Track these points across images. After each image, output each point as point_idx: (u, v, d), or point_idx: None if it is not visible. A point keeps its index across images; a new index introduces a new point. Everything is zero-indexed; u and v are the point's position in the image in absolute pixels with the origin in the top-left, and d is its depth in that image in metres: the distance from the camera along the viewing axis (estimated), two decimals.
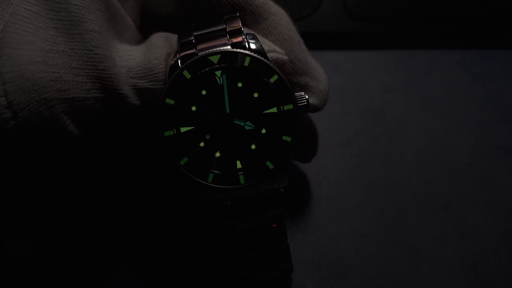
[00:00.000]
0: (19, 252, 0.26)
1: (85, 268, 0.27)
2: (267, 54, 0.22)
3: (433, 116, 0.33)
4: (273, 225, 0.23)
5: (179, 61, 0.21)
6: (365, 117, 0.33)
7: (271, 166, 0.21)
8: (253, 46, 0.21)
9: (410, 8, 0.35)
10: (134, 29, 0.24)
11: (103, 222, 0.28)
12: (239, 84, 0.21)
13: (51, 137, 0.19)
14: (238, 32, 0.22)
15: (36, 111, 0.18)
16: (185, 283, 0.27)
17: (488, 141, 0.32)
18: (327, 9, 0.35)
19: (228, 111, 0.21)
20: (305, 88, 0.24)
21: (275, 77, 0.21)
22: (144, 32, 0.24)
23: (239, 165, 0.21)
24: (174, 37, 0.23)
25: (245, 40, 0.22)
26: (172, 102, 0.21)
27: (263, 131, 0.21)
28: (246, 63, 0.21)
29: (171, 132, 0.21)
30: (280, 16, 0.24)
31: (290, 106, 0.21)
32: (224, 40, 0.22)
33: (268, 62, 0.21)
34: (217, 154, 0.21)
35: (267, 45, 0.23)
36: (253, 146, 0.21)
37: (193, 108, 0.21)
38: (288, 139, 0.21)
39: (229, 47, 0.21)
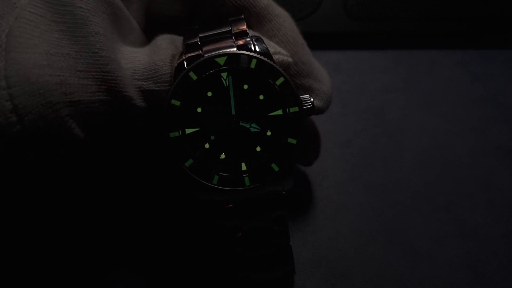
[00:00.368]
0: None
1: (85, 268, 0.27)
2: (273, 56, 0.22)
3: (433, 116, 0.33)
4: (275, 227, 0.23)
5: (184, 62, 0.21)
6: (365, 117, 0.33)
7: (276, 168, 0.21)
8: (258, 48, 0.21)
9: (410, 8, 0.35)
10: (138, 31, 0.24)
11: (103, 222, 0.28)
12: (245, 86, 0.21)
13: (56, 139, 0.19)
14: (243, 34, 0.22)
15: (41, 114, 0.18)
16: (185, 283, 0.27)
17: (488, 141, 0.32)
18: (327, 9, 0.35)
19: (233, 113, 0.21)
20: (309, 90, 0.24)
21: (281, 79, 0.21)
22: (149, 34, 0.24)
23: (244, 167, 0.21)
24: (179, 39, 0.23)
25: (251, 42, 0.22)
26: (178, 103, 0.21)
27: (269, 133, 0.21)
28: (253, 65, 0.21)
29: (176, 134, 0.21)
30: (284, 18, 0.24)
31: (296, 109, 0.21)
32: (230, 42, 0.22)
33: (274, 64, 0.21)
34: (222, 156, 0.21)
35: (273, 47, 0.23)
36: (258, 148, 0.21)
37: (199, 110, 0.21)
38: (294, 141, 0.21)
39: (234, 49, 0.21)
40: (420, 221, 0.29)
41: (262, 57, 0.21)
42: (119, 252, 0.27)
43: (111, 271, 0.27)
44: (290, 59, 0.23)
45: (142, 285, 0.27)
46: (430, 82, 0.34)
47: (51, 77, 0.18)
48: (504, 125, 0.32)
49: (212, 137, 0.21)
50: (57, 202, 0.27)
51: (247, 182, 0.21)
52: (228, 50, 0.21)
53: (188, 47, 0.22)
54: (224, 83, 0.21)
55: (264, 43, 0.22)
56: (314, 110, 0.22)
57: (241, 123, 0.21)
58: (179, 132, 0.21)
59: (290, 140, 0.21)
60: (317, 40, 0.35)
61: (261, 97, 0.21)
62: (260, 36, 0.23)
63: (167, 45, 0.22)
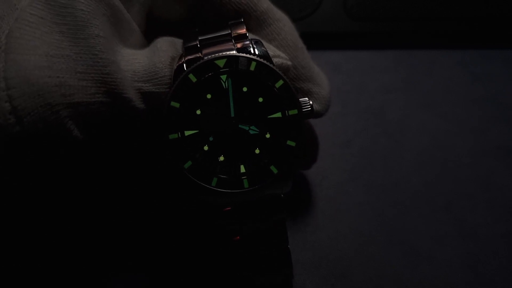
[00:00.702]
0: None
1: (85, 268, 0.27)
2: (272, 59, 0.22)
3: (433, 116, 0.33)
4: (275, 230, 0.23)
5: (184, 65, 0.21)
6: (365, 117, 0.33)
7: (275, 171, 0.21)
8: (258, 51, 0.21)
9: (410, 8, 0.35)
10: (139, 33, 0.24)
11: (103, 222, 0.28)
12: (244, 89, 0.21)
13: (55, 141, 0.19)
14: (243, 37, 0.22)
15: (40, 116, 0.18)
16: (185, 283, 0.27)
17: (488, 141, 0.32)
18: (327, 9, 0.35)
19: (232, 115, 0.21)
20: (308, 94, 0.24)
21: (280, 82, 0.21)
22: (149, 36, 0.24)
23: (243, 169, 0.21)
24: (179, 41, 0.23)
25: (250, 45, 0.22)
26: (177, 105, 0.21)
27: (268, 135, 0.21)
28: (252, 67, 0.21)
29: (175, 135, 0.21)
30: (284, 22, 0.24)
31: (295, 111, 0.21)
32: (229, 45, 0.22)
33: (274, 67, 0.21)
34: (221, 158, 0.21)
35: (272, 50, 0.23)
36: (257, 151, 0.21)
37: (198, 112, 0.21)
38: (293, 144, 0.21)
39: (234, 52, 0.21)
40: (420, 221, 0.29)
41: (261, 60, 0.21)
42: (119, 252, 0.27)
43: (111, 271, 0.27)
44: (289, 63, 0.23)
45: (142, 285, 0.27)
46: (430, 82, 0.34)
47: (50, 78, 0.18)
48: (504, 125, 0.32)
49: (211, 139, 0.21)
50: (57, 202, 0.27)
51: (245, 185, 0.21)
52: (228, 52, 0.21)
53: (187, 50, 0.22)
54: (224, 85, 0.21)
55: (264, 46, 0.22)
56: (313, 112, 0.22)
57: (240, 126, 0.21)
58: (178, 134, 0.21)
59: (289, 142, 0.21)
60: (317, 40, 0.35)
61: (261, 99, 0.21)
62: (260, 39, 0.23)
63: (167, 48, 0.22)
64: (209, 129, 0.21)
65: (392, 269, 0.27)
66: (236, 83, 0.21)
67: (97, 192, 0.28)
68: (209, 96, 0.21)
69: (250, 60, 0.21)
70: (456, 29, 0.35)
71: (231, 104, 0.21)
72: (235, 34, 0.22)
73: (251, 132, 0.21)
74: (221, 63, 0.21)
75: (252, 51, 0.21)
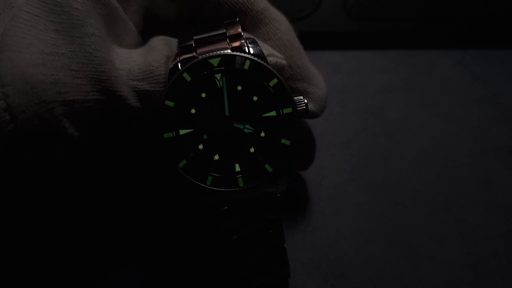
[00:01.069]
0: None
1: (85, 268, 0.27)
2: (267, 58, 0.22)
3: (433, 116, 0.33)
4: (270, 230, 0.23)
5: (179, 64, 0.21)
6: (365, 117, 0.33)
7: (270, 169, 0.21)
8: (252, 50, 0.21)
9: (410, 8, 0.35)
10: (135, 33, 0.24)
11: (103, 222, 0.28)
12: (239, 87, 0.21)
13: (51, 138, 0.19)
14: (237, 37, 0.22)
15: (35, 113, 0.18)
16: (184, 283, 0.27)
17: (488, 141, 0.32)
18: (327, 9, 0.35)
19: (227, 114, 0.21)
20: (303, 94, 0.24)
21: (274, 81, 0.21)
22: (146, 36, 0.24)
23: (238, 168, 0.21)
24: (174, 41, 0.23)
25: (245, 44, 0.22)
26: (171, 104, 0.21)
27: (262, 134, 0.21)
28: (246, 66, 0.21)
29: (170, 134, 0.21)
30: (281, 22, 0.24)
31: (290, 110, 0.21)
32: (224, 44, 0.22)
33: (268, 66, 0.21)
34: (216, 157, 0.21)
35: (267, 49, 0.23)
36: (252, 149, 0.21)
37: (193, 111, 0.21)
38: (287, 142, 0.21)
39: (229, 51, 0.21)
40: (420, 221, 0.29)
41: (255, 59, 0.21)
42: (119, 252, 0.27)
43: (111, 271, 0.27)
44: (284, 62, 0.23)
45: (142, 285, 0.27)
46: (430, 82, 0.34)
47: (45, 76, 0.18)
48: (504, 125, 0.32)
49: (206, 138, 0.21)
50: (57, 202, 0.27)
51: (240, 183, 0.21)
52: (222, 51, 0.21)
53: (182, 49, 0.22)
54: (218, 84, 0.21)
55: (258, 45, 0.22)
56: (308, 111, 0.22)
57: (235, 124, 0.21)
58: (173, 133, 0.21)
59: (283, 141, 0.21)
60: (317, 40, 0.35)
61: (255, 98, 0.21)
62: (255, 38, 0.23)
63: (162, 47, 0.22)
64: (204, 128, 0.21)
65: (392, 269, 0.27)
66: (230, 81, 0.21)
67: (95, 191, 0.28)
68: (203, 95, 0.21)
69: (245, 58, 0.21)
70: (456, 29, 0.35)
71: (226, 103, 0.21)
72: (230, 34, 0.22)
73: (246, 130, 0.21)
74: (215, 62, 0.21)
75: (247, 50, 0.21)
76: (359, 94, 0.34)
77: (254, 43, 0.22)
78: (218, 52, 0.21)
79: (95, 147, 0.22)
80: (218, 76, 0.21)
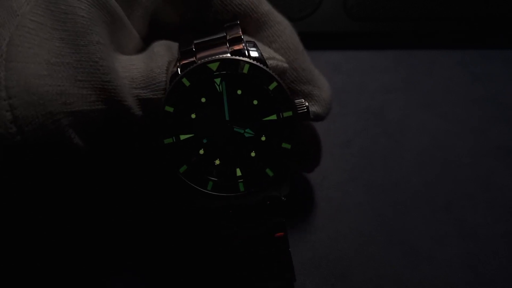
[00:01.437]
0: None
1: (84, 268, 0.27)
2: (267, 62, 0.22)
3: (433, 116, 0.33)
4: (275, 234, 0.22)
5: (179, 69, 0.21)
6: (365, 117, 0.33)
7: (270, 174, 0.21)
8: (253, 53, 0.21)
9: (410, 8, 0.35)
10: (138, 40, 0.24)
11: (102, 222, 0.28)
12: (239, 92, 0.21)
13: (56, 148, 0.19)
14: (238, 40, 0.22)
15: (41, 125, 0.18)
16: (184, 283, 0.27)
17: (488, 141, 0.32)
18: (327, 9, 0.35)
19: (227, 118, 0.21)
20: (308, 96, 0.24)
21: (274, 84, 0.21)
22: (147, 40, 0.24)
23: (238, 172, 0.21)
24: (175, 45, 0.23)
25: (245, 47, 0.22)
26: (171, 109, 0.21)
27: (263, 138, 0.21)
28: (245, 70, 0.21)
29: (170, 140, 0.21)
30: (285, 26, 0.24)
31: (290, 113, 0.21)
32: (224, 48, 0.22)
33: (267, 69, 0.21)
34: (217, 162, 0.21)
35: (267, 52, 0.23)
36: (252, 154, 0.21)
37: (193, 116, 0.21)
38: (288, 146, 0.21)
39: (228, 54, 0.21)
40: (420, 221, 0.29)
41: (254, 62, 0.21)
42: (119, 252, 0.27)
43: (110, 271, 0.27)
44: (285, 65, 0.23)
45: (142, 285, 0.27)
46: (430, 82, 0.34)
47: (51, 87, 0.18)
48: (504, 125, 0.32)
49: (207, 143, 0.21)
50: (57, 202, 0.27)
51: (241, 188, 0.21)
52: (220, 56, 0.21)
53: (183, 54, 0.22)
54: (218, 88, 0.21)
55: (258, 49, 0.22)
56: (309, 114, 0.22)
57: (235, 129, 0.21)
58: (173, 139, 0.21)
59: (284, 145, 0.21)
60: (317, 40, 0.35)
61: (255, 102, 0.21)
62: (255, 41, 0.23)
63: (163, 52, 0.22)
64: (204, 133, 0.21)
65: (392, 269, 0.27)
66: (230, 86, 0.21)
67: (96, 193, 0.28)
68: (203, 99, 0.21)
69: (244, 62, 0.21)
70: (456, 29, 0.35)
71: (226, 107, 0.21)
72: (230, 37, 0.22)
73: (246, 135, 0.21)
74: (214, 66, 0.21)
75: (247, 54, 0.21)
76: (359, 94, 0.34)
77: (254, 46, 0.22)
78: (217, 56, 0.21)
79: (97, 153, 0.22)
80: (217, 80, 0.21)
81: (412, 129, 0.32)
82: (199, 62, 0.21)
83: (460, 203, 0.29)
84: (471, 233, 0.28)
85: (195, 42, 0.22)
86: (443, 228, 0.28)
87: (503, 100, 0.33)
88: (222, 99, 0.21)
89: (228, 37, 0.22)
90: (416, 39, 0.36)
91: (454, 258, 0.27)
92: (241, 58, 0.21)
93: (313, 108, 0.24)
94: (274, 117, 0.21)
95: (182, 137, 0.21)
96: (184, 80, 0.21)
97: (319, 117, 0.24)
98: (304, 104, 0.22)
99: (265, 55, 0.22)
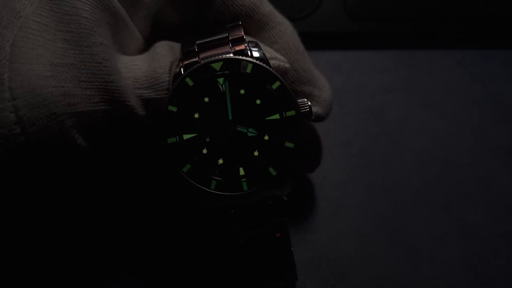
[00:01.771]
0: None
1: (85, 268, 0.27)
2: (269, 61, 0.22)
3: (433, 116, 0.33)
4: (277, 234, 0.23)
5: (181, 69, 0.21)
6: (365, 117, 0.33)
7: (274, 173, 0.21)
8: (255, 53, 0.21)
9: (410, 8, 0.35)
10: (140, 41, 0.24)
11: (103, 222, 0.28)
12: (242, 91, 0.21)
13: (60, 149, 0.19)
14: (240, 40, 0.22)
15: (45, 126, 0.18)
16: (185, 284, 0.27)
17: (488, 141, 0.32)
18: (327, 9, 0.35)
19: (230, 118, 0.21)
20: (309, 97, 0.24)
21: (277, 84, 0.21)
22: (150, 41, 0.24)
23: (242, 172, 0.21)
24: (177, 46, 0.23)
25: (247, 47, 0.22)
26: (174, 109, 0.21)
27: (266, 137, 0.21)
28: (248, 69, 0.21)
29: (174, 139, 0.21)
30: (286, 26, 0.24)
31: (293, 113, 0.21)
32: (227, 48, 0.22)
33: (270, 69, 0.21)
34: (220, 161, 0.21)
35: (269, 52, 0.23)
36: (256, 153, 0.21)
37: (196, 115, 0.21)
38: (291, 145, 0.21)
39: (231, 55, 0.21)
40: (420, 221, 0.29)
41: (258, 62, 0.21)
42: (119, 252, 0.27)
43: (111, 271, 0.27)
44: (287, 65, 0.23)
45: (143, 285, 0.27)
46: (430, 82, 0.34)
47: (55, 88, 0.18)
48: (504, 125, 0.32)
49: (210, 143, 0.21)
50: (59, 203, 0.27)
51: (245, 187, 0.21)
52: (224, 55, 0.21)
53: (185, 54, 0.22)
54: (221, 88, 0.21)
55: (261, 49, 0.22)
56: (312, 114, 0.22)
57: (238, 128, 0.21)
58: (176, 138, 0.21)
59: (287, 144, 0.21)
60: (317, 40, 0.35)
61: (258, 101, 0.21)
62: (257, 41, 0.23)
63: (166, 52, 0.22)
64: (207, 132, 0.21)
65: (392, 269, 0.27)
66: (233, 85, 0.21)
67: (97, 193, 0.28)
68: (206, 99, 0.21)
69: (247, 62, 0.21)
70: (456, 29, 0.35)
71: (229, 106, 0.21)
72: (233, 37, 0.22)
73: (250, 134, 0.21)
74: (217, 66, 0.21)
75: (249, 54, 0.21)
76: (359, 94, 0.34)
77: (256, 46, 0.22)
78: (220, 56, 0.21)
79: (100, 153, 0.22)
80: (220, 80, 0.21)
81: (412, 129, 0.32)
82: (202, 62, 0.21)
83: (460, 203, 0.29)
84: (471, 233, 0.28)
85: (197, 42, 0.22)
86: (443, 228, 0.28)
87: (503, 100, 0.33)
88: (225, 98, 0.21)
89: (230, 38, 0.22)
90: (416, 39, 0.36)
91: (454, 258, 0.27)
92: (244, 58, 0.21)
93: (313, 109, 0.24)
94: (277, 116, 0.21)
95: (185, 136, 0.21)
96: (188, 80, 0.21)
97: (319, 118, 0.24)
98: (307, 103, 0.22)
99: (268, 55, 0.22)
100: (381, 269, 0.27)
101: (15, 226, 0.27)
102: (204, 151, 0.21)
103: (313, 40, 0.34)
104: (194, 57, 0.21)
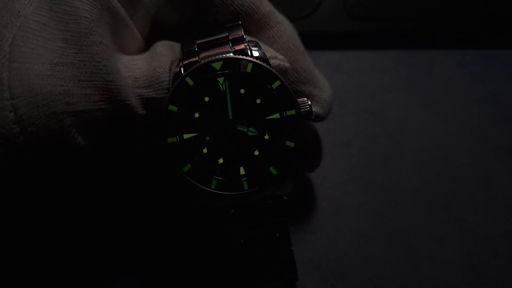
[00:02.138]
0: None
1: (85, 268, 0.27)
2: (270, 61, 0.22)
3: (433, 116, 0.33)
4: (277, 234, 0.23)
5: (182, 69, 0.21)
6: (365, 117, 0.33)
7: (274, 172, 0.21)
8: (255, 53, 0.21)
9: (410, 8, 0.35)
10: (140, 40, 0.24)
11: (103, 222, 0.28)
12: (242, 90, 0.21)
13: (59, 148, 0.19)
14: (240, 40, 0.22)
15: (45, 125, 0.18)
16: (185, 284, 0.27)
17: (488, 141, 0.32)
18: (327, 9, 0.35)
19: (231, 117, 0.21)
20: (309, 97, 0.24)
21: (277, 83, 0.21)
22: (150, 41, 0.24)
23: (242, 171, 0.21)
24: (177, 45, 0.23)
25: (247, 47, 0.22)
26: (175, 108, 0.21)
27: (266, 137, 0.21)
28: (249, 69, 0.21)
29: (174, 139, 0.21)
30: (286, 26, 0.24)
31: (293, 112, 0.21)
32: (227, 48, 0.22)
33: (270, 68, 0.21)
34: (220, 161, 0.21)
35: (269, 52, 0.23)
36: (256, 152, 0.21)
37: (196, 115, 0.21)
38: (291, 144, 0.21)
39: (231, 54, 0.21)
40: (420, 221, 0.29)
41: (258, 61, 0.21)
42: (119, 252, 0.27)
43: (111, 271, 0.27)
44: (287, 64, 0.23)
45: (143, 285, 0.27)
46: (430, 82, 0.34)
47: (54, 87, 0.18)
48: (504, 125, 0.32)
49: (210, 142, 0.21)
50: (59, 202, 0.27)
51: (245, 186, 0.21)
52: (224, 55, 0.21)
53: (185, 54, 0.22)
54: (221, 88, 0.21)
55: (261, 48, 0.22)
56: (312, 114, 0.22)
57: (238, 128, 0.21)
58: (176, 138, 0.21)
59: (287, 143, 0.21)
60: (317, 40, 0.35)
61: (258, 101, 0.21)
62: (257, 41, 0.23)
63: (166, 52, 0.22)
64: (208, 132, 0.21)
65: (392, 269, 0.27)
66: (233, 85, 0.21)
67: (97, 192, 0.28)
68: (206, 99, 0.21)
69: (247, 61, 0.21)
70: (456, 29, 0.35)
71: (229, 106, 0.21)
72: (233, 37, 0.22)
73: (250, 133, 0.21)
74: (217, 65, 0.21)
75: (249, 53, 0.21)
76: (359, 94, 0.34)
77: (256, 45, 0.22)
78: (220, 56, 0.21)
79: (100, 153, 0.22)
80: (221, 79, 0.21)
81: (412, 129, 0.32)
82: (202, 61, 0.21)
83: (460, 203, 0.29)
84: (471, 233, 0.28)
85: (197, 42, 0.22)
86: (443, 228, 0.28)
87: (503, 100, 0.33)
88: (225, 98, 0.21)
89: (230, 37, 0.22)
90: (416, 39, 0.36)
91: (454, 258, 0.27)
92: (244, 57, 0.21)
93: (313, 109, 0.24)
94: (277, 115, 0.21)
95: (186, 136, 0.21)
96: (188, 79, 0.21)
97: (319, 118, 0.24)
98: (307, 103, 0.22)
99: (268, 54, 0.22)
100: (381, 269, 0.27)
101: (15, 226, 0.27)
102: (205, 150, 0.21)
103: (313, 40, 0.34)
104: (194, 57, 0.21)
